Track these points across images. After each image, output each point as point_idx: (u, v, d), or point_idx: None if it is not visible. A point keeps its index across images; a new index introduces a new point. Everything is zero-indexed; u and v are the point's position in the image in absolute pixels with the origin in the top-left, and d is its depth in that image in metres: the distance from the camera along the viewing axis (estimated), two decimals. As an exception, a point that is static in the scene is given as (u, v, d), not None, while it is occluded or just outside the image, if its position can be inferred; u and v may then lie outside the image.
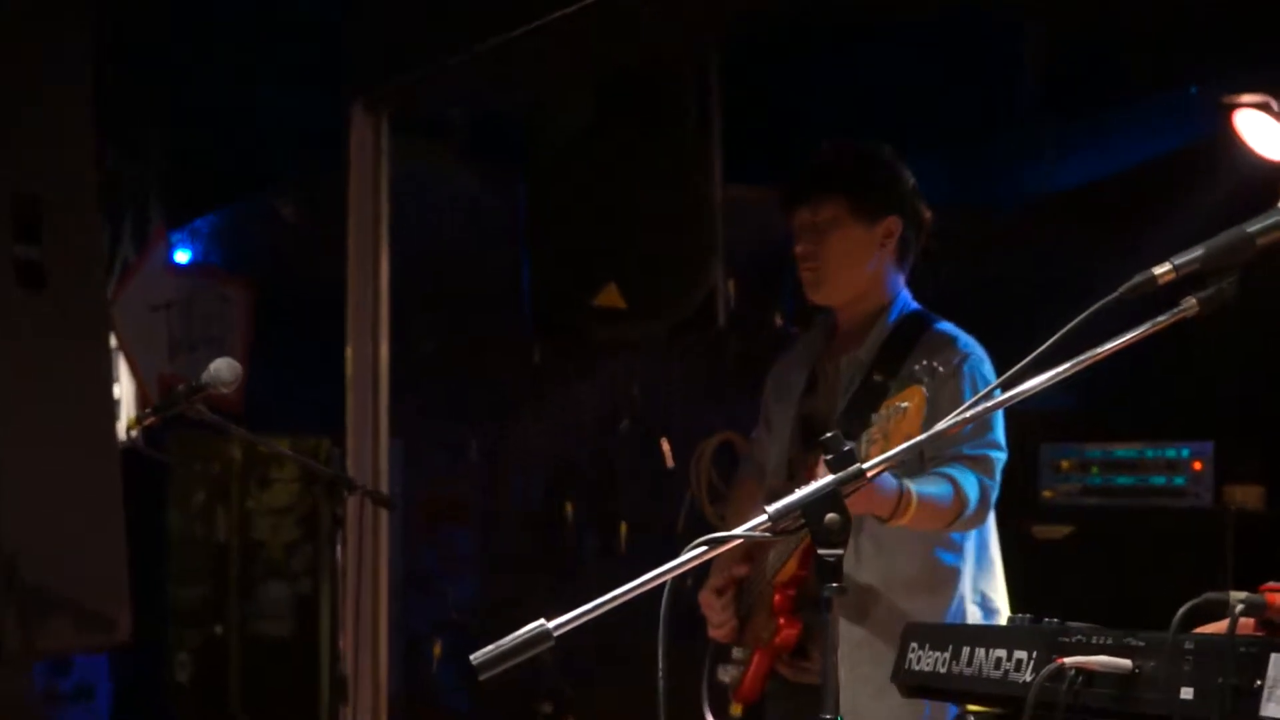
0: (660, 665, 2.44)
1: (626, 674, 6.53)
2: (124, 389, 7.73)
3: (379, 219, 6.69)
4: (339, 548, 5.25)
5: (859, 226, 4.40)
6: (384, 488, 6.60)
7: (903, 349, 4.39)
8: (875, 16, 5.97)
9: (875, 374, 4.39)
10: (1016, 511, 4.62)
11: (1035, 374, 2.40)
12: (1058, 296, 4.78)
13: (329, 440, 7.06)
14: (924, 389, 3.72)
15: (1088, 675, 2.34)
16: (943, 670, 2.69)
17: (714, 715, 4.69)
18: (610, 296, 6.08)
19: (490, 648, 2.30)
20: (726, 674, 4.64)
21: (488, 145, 7.34)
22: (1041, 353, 2.39)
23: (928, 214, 4.53)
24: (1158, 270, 2.40)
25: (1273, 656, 2.17)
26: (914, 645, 2.80)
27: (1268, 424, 5.96)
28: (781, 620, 4.43)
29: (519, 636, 2.31)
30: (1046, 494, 6.30)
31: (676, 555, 2.38)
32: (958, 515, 4.16)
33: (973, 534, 4.34)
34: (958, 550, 4.35)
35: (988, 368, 4.33)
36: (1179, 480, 6.02)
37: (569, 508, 7.87)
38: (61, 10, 5.59)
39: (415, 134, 7.12)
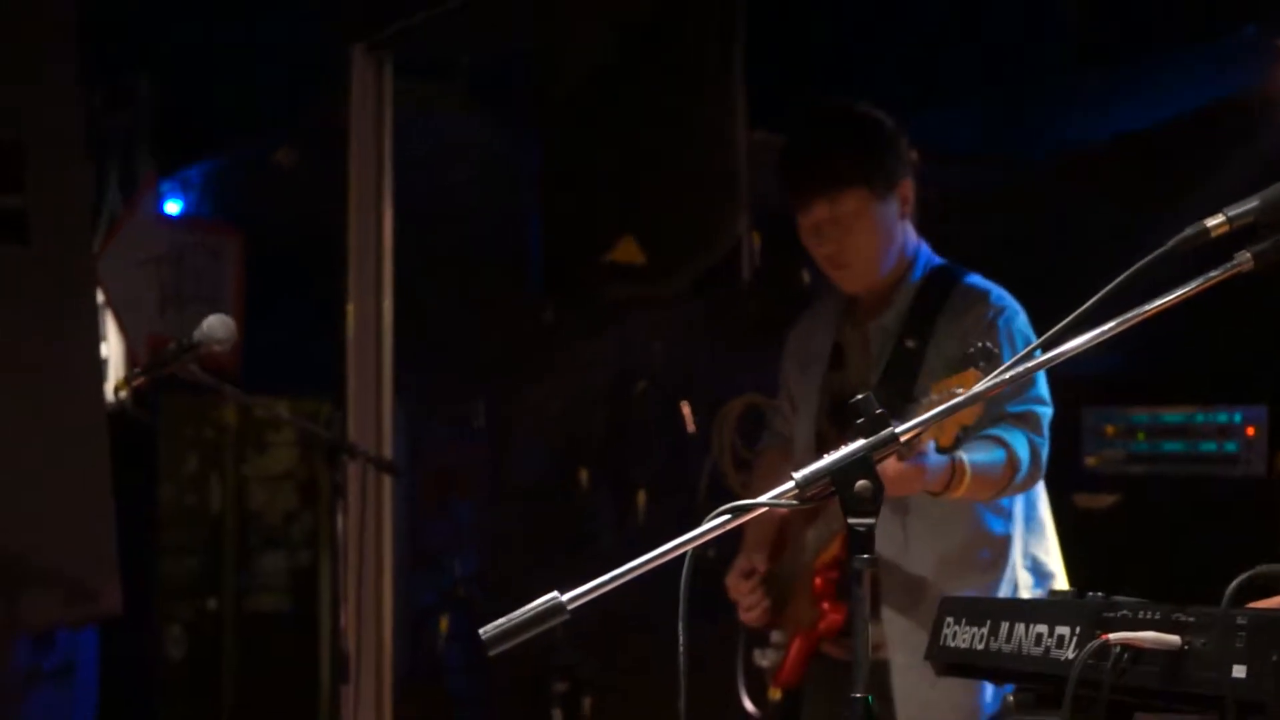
0: (680, 640, 2.45)
1: (646, 650, 6.55)
2: (111, 348, 7.74)
3: (382, 169, 6.69)
4: (340, 517, 5.27)
5: (881, 206, 4.38)
6: (387, 453, 6.62)
7: (932, 308, 4.38)
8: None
9: (906, 340, 4.39)
10: (1058, 479, 4.61)
11: (1078, 333, 2.40)
12: (1099, 252, 4.79)
13: (329, 403, 7.08)
14: (980, 374, 3.71)
15: (1134, 652, 2.34)
16: (980, 647, 2.68)
17: (751, 700, 4.70)
18: (627, 251, 6.08)
19: (500, 621, 2.31)
20: (765, 658, 4.66)
21: (497, 90, 7.32)
22: (1085, 311, 2.38)
23: (917, 158, 4.50)
24: (1210, 222, 2.39)
25: (1330, 633, 2.17)
26: (950, 620, 2.79)
27: (1326, 387, 5.94)
28: (825, 605, 4.44)
29: (530, 610, 2.31)
30: (1090, 461, 6.29)
31: (697, 525, 2.38)
32: (1011, 479, 4.18)
33: (1020, 496, 4.34)
34: (1007, 515, 4.36)
35: (1023, 320, 4.33)
36: (1231, 447, 6.00)
37: (583, 476, 7.87)
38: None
39: (419, 77, 7.11)
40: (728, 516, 2.39)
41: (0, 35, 5.41)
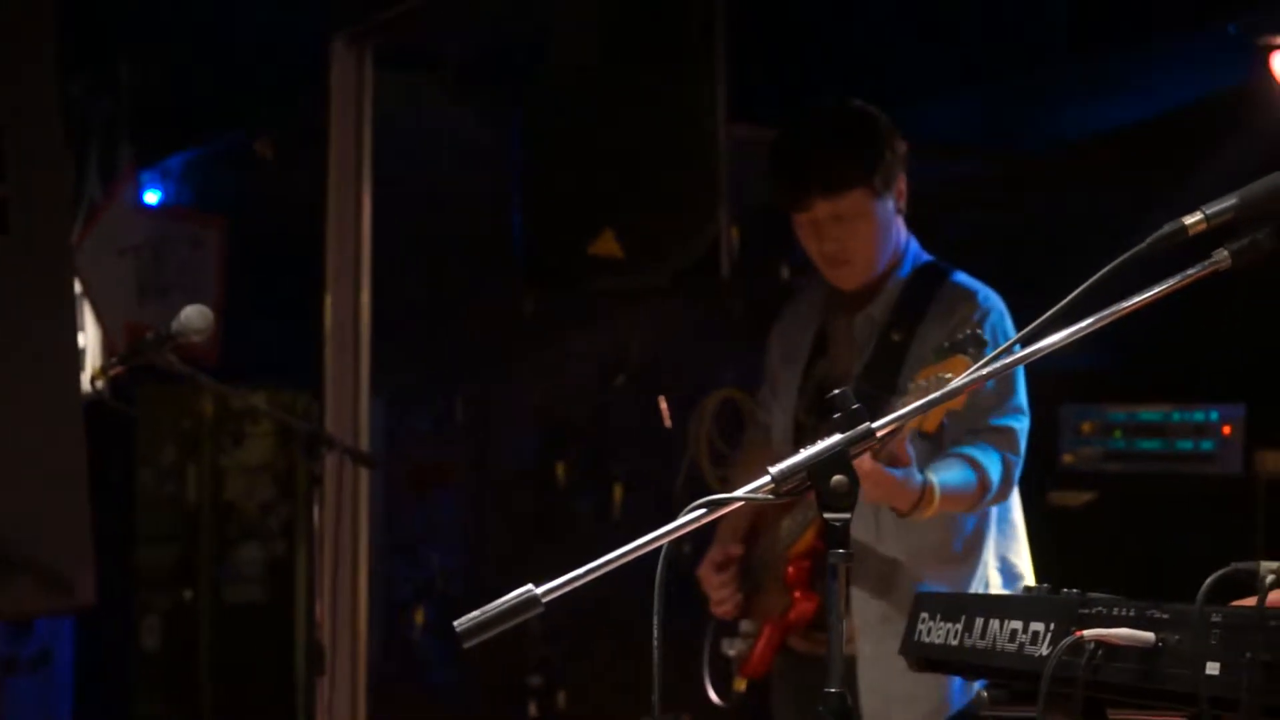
0: (655, 634, 2.44)
1: (619, 644, 6.56)
2: (89, 337, 7.72)
3: (361, 159, 6.68)
4: (317, 508, 5.26)
5: (881, 203, 4.37)
6: (365, 445, 6.61)
7: (919, 304, 4.39)
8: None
9: (892, 333, 4.39)
10: (1034, 477, 4.62)
11: (1057, 329, 2.40)
12: (1085, 245, 4.78)
13: (307, 394, 7.06)
14: (969, 359, 3.73)
15: (1108, 649, 2.34)
16: (954, 642, 2.68)
17: (716, 691, 4.70)
18: (607, 244, 6.07)
19: (474, 614, 2.30)
20: (732, 647, 4.66)
21: (478, 81, 7.31)
22: (1063, 307, 2.38)
23: (906, 147, 4.50)
24: (1188, 220, 2.39)
25: (1305, 631, 2.17)
26: (924, 616, 2.79)
27: (1302, 386, 5.95)
28: (797, 594, 4.45)
29: (505, 602, 2.31)
30: (1066, 458, 6.30)
31: (674, 519, 2.38)
32: (980, 500, 4.22)
33: None
34: (981, 512, 4.37)
35: (1009, 323, 4.34)
36: (1207, 445, 6.01)
37: (561, 469, 7.87)
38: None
39: (400, 67, 7.10)
40: (704, 510, 2.39)
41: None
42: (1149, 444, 6.17)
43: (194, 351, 5.16)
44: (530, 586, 2.31)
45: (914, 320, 4.36)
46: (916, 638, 2.80)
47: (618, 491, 7.64)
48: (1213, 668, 2.20)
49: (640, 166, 6.00)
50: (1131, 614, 2.35)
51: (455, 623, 2.30)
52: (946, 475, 4.11)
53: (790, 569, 4.45)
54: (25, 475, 5.38)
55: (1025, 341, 2.43)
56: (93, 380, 5.70)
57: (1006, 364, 2.47)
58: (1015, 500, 4.47)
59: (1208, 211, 2.39)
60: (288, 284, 7.36)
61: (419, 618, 7.87)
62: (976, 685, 2.68)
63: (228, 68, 7.49)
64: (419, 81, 7.39)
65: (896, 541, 4.31)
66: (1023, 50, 6.25)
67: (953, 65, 6.29)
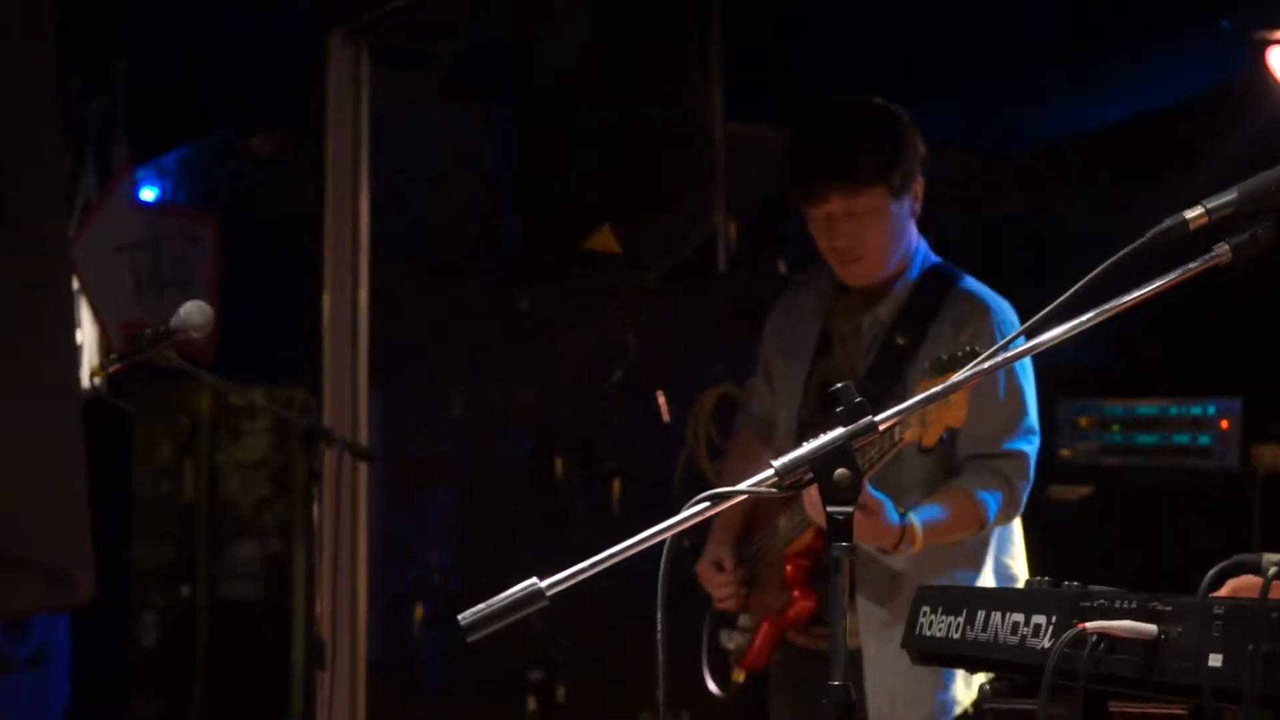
0: (659, 627, 2.45)
1: (618, 638, 6.56)
2: (85, 334, 7.72)
3: (358, 156, 6.68)
4: (316, 504, 5.26)
5: (896, 203, 4.35)
6: (363, 440, 6.61)
7: (928, 309, 4.37)
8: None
9: (898, 336, 4.38)
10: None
11: (1056, 324, 2.41)
12: (1076, 244, 4.79)
13: (305, 390, 7.06)
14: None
15: (1110, 641, 2.35)
16: (956, 636, 2.69)
17: (715, 682, 4.71)
18: (603, 240, 6.08)
19: (480, 607, 2.31)
20: (731, 640, 4.66)
21: (474, 77, 7.31)
22: (1063, 302, 2.39)
23: (925, 150, 4.49)
24: (1189, 214, 2.40)
25: (1307, 622, 2.18)
26: (926, 610, 2.80)
27: (1299, 381, 5.96)
28: (796, 592, 4.45)
29: (510, 595, 2.32)
30: (1064, 453, 6.31)
31: (672, 514, 2.39)
32: (975, 531, 4.27)
33: None
34: None
35: (1015, 323, 4.33)
36: (1204, 439, 6.02)
37: (558, 465, 7.87)
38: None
39: (397, 65, 7.09)
40: (706, 504, 2.40)
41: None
42: (1146, 438, 6.17)
43: (191, 348, 5.16)
44: (535, 580, 2.32)
45: (922, 324, 4.35)
46: (918, 631, 2.80)
47: (615, 487, 7.64)
48: (1215, 660, 2.21)
49: (636, 162, 6.00)
50: (1133, 606, 2.36)
51: (460, 616, 2.31)
52: (930, 512, 4.15)
53: (789, 567, 4.46)
54: (24, 472, 5.39)
55: (1024, 336, 2.45)
56: (91, 377, 5.71)
57: (1007, 358, 2.48)
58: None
59: (1209, 205, 2.40)
60: (283, 280, 7.36)
61: (418, 613, 7.88)
62: (977, 681, 2.69)
63: (224, 64, 7.49)
64: (415, 78, 7.39)
65: (897, 557, 4.31)
66: (1010, 48, 6.26)
67: (945, 64, 6.30)
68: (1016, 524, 4.48)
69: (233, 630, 8.22)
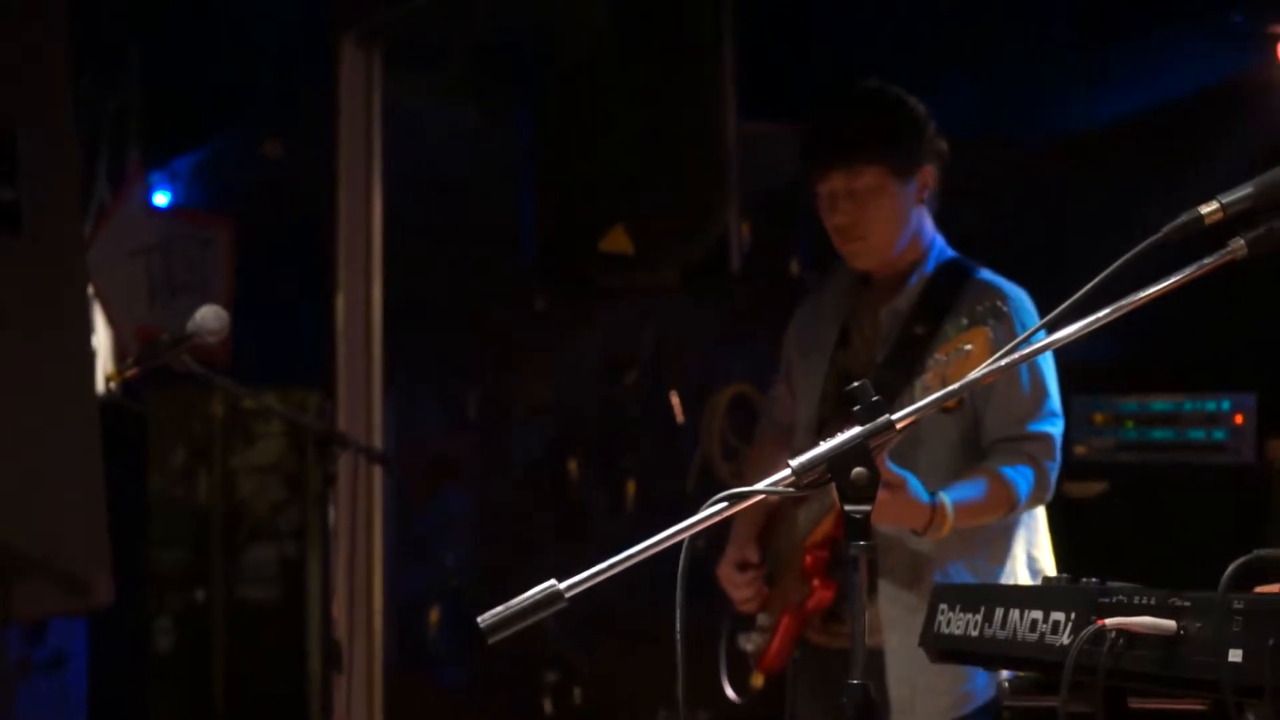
0: (678, 628, 2.46)
1: (634, 639, 6.57)
2: (100, 339, 7.73)
3: (371, 157, 6.69)
4: (331, 507, 5.27)
5: (900, 186, 4.39)
6: (378, 444, 6.62)
7: (944, 301, 4.39)
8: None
9: (916, 326, 4.40)
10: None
11: (1072, 320, 2.41)
12: (1092, 238, 4.79)
13: (319, 393, 7.07)
14: (989, 330, 3.74)
15: (1130, 637, 2.34)
16: (974, 633, 2.69)
17: (733, 688, 4.70)
18: (617, 240, 6.09)
19: (499, 609, 2.32)
20: (749, 642, 4.65)
21: (488, 78, 7.31)
22: (1079, 298, 2.39)
23: (945, 147, 4.53)
24: (1205, 209, 2.40)
25: (1326, 617, 2.18)
26: (944, 607, 2.80)
27: (1315, 375, 5.95)
28: (815, 582, 4.45)
29: (529, 597, 2.32)
30: (1079, 449, 6.30)
31: (687, 514, 2.39)
32: (1007, 512, 4.27)
33: None
34: None
35: (1033, 311, 4.35)
36: (1219, 435, 6.01)
37: (573, 465, 7.87)
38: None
39: (409, 66, 7.10)
40: (724, 504, 2.40)
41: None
42: (1161, 434, 6.16)
43: (206, 352, 5.17)
44: (553, 581, 2.33)
45: (938, 314, 4.37)
46: (936, 629, 2.81)
47: (630, 487, 7.64)
48: (1235, 655, 2.21)
49: (650, 162, 6.01)
50: (1152, 602, 2.36)
51: (479, 618, 2.31)
52: (962, 492, 4.16)
53: (808, 558, 4.45)
54: (42, 477, 5.40)
55: (1045, 330, 2.45)
56: (107, 382, 5.72)
57: (1025, 354, 2.48)
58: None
59: (1224, 200, 2.40)
60: (297, 283, 7.37)
61: (433, 615, 7.88)
62: (1003, 674, 2.69)
63: (237, 67, 7.49)
64: (428, 80, 7.39)
65: (927, 540, 4.31)
66: (1027, 42, 6.25)
67: (962, 57, 6.30)
68: (1043, 517, 4.48)
69: (249, 634, 8.22)
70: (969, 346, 3.77)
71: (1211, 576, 2.31)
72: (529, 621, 2.32)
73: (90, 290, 7.03)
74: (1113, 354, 6.01)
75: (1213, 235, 2.42)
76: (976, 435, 4.34)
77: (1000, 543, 4.37)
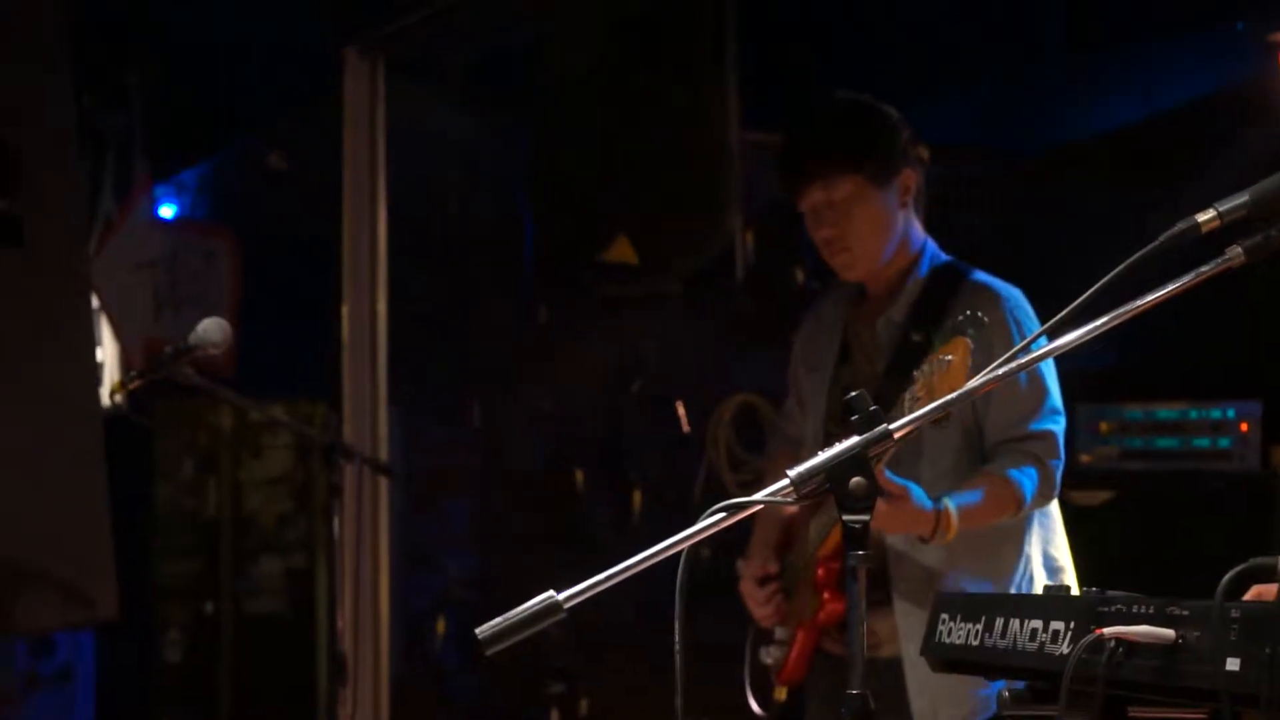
0: (676, 637, 2.45)
1: (641, 650, 6.56)
2: (106, 352, 7.74)
3: (375, 170, 6.70)
4: (336, 520, 5.27)
5: (879, 193, 4.41)
6: (383, 455, 6.62)
7: (939, 304, 4.40)
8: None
9: (913, 333, 4.40)
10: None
11: (1071, 328, 2.41)
12: (1091, 246, 4.78)
13: (324, 405, 7.07)
14: (969, 340, 3.75)
15: (1128, 646, 2.34)
16: (975, 643, 2.69)
17: (757, 701, 4.70)
18: (620, 250, 6.09)
19: (497, 621, 2.32)
20: (769, 655, 4.65)
21: (490, 89, 7.32)
22: (1077, 306, 2.39)
23: (926, 154, 4.55)
24: (1201, 217, 2.40)
25: (1324, 626, 2.17)
26: (945, 617, 2.80)
27: (1320, 383, 5.94)
28: (826, 595, 4.45)
29: (527, 609, 2.32)
30: (1084, 458, 6.29)
31: (693, 524, 2.39)
32: (1014, 512, 4.27)
33: None
34: None
35: (1029, 311, 4.36)
36: (1224, 442, 6.00)
37: (578, 476, 7.87)
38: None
39: (412, 78, 7.11)
40: (722, 515, 2.40)
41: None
42: (1166, 442, 6.15)
43: (210, 364, 5.17)
44: (552, 593, 2.33)
45: (935, 320, 4.37)
46: (937, 639, 2.81)
47: (636, 498, 7.63)
48: (1233, 663, 2.20)
49: (653, 172, 6.01)
50: (1151, 611, 2.36)
51: (477, 630, 2.31)
52: (965, 496, 4.16)
53: (820, 570, 4.45)
54: (46, 490, 5.41)
55: (1045, 338, 2.45)
56: (112, 395, 5.73)
57: (1023, 363, 2.48)
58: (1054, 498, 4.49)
59: (1221, 208, 2.40)
60: (302, 295, 7.37)
61: (439, 626, 7.88)
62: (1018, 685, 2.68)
63: (241, 79, 7.50)
64: (431, 92, 7.40)
65: (933, 546, 4.31)
66: (1025, 50, 6.25)
67: (960, 67, 6.30)
68: (1056, 513, 4.48)
69: (257, 646, 8.22)
70: (949, 358, 3.77)
71: (1218, 584, 2.31)
72: (528, 633, 2.32)
73: (96, 303, 7.04)
74: (1118, 362, 6.02)
75: (1212, 242, 2.42)
76: (979, 439, 4.35)
77: (1012, 545, 4.36)
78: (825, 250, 4.51)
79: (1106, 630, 2.37)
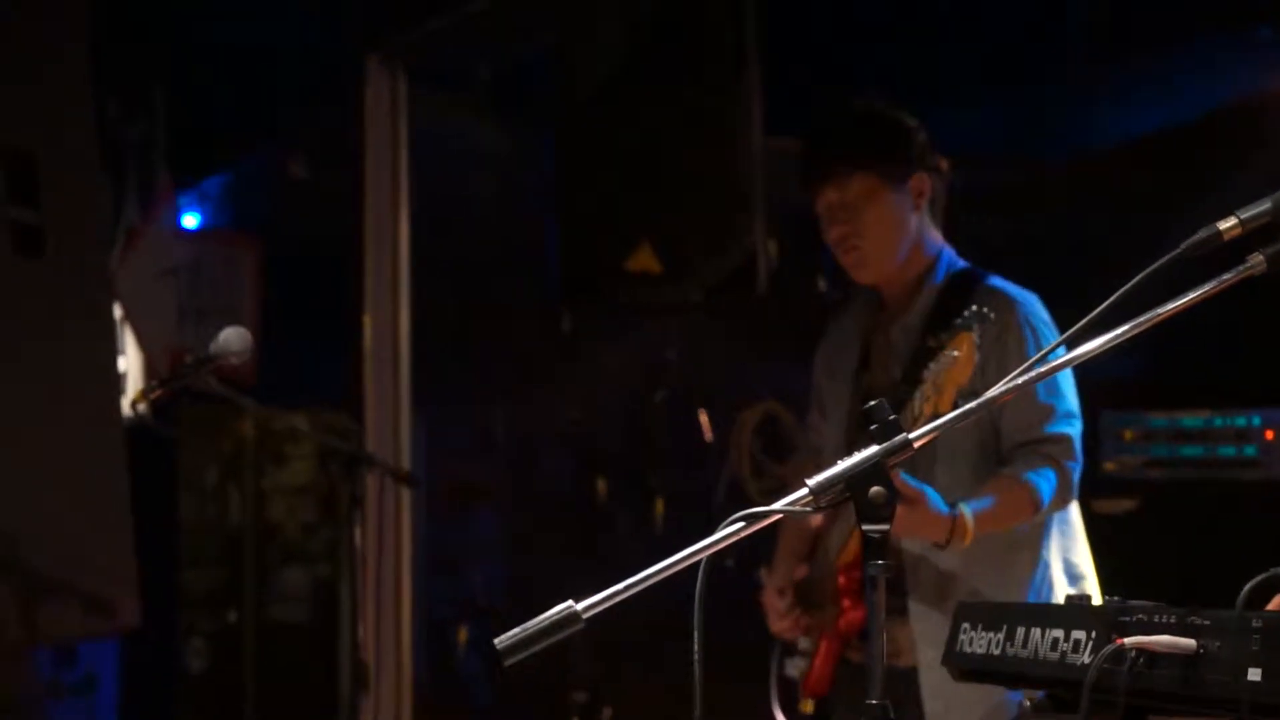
0: (695, 647, 2.45)
1: (665, 659, 6.55)
2: (129, 361, 7.75)
3: (398, 179, 6.70)
4: (358, 528, 5.28)
5: (892, 194, 4.45)
6: (405, 464, 6.62)
7: (956, 309, 4.40)
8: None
9: (929, 338, 4.41)
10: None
11: (1094, 336, 2.41)
12: (1114, 254, 4.78)
13: (347, 414, 7.07)
14: (973, 335, 3.77)
15: (1150, 656, 2.34)
16: (996, 652, 2.69)
17: (784, 712, 4.70)
18: (644, 259, 6.08)
19: (515, 631, 2.32)
20: (795, 667, 4.65)
21: (512, 97, 7.33)
22: (1100, 313, 2.39)
23: (945, 165, 4.57)
24: (1223, 225, 2.40)
25: (1346, 635, 2.17)
26: (966, 626, 2.80)
27: (1345, 389, 5.92)
28: (846, 603, 4.45)
29: (546, 619, 2.32)
30: (1108, 466, 6.27)
31: (714, 534, 2.39)
32: (1031, 515, 4.28)
33: None
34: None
35: (1045, 316, 4.36)
36: (1250, 450, 5.98)
37: (601, 485, 7.87)
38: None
39: (434, 86, 7.12)
40: (742, 524, 2.40)
41: (15, 47, 5.42)
42: (1191, 450, 6.13)
43: (232, 373, 5.18)
44: (571, 602, 2.32)
45: (948, 323, 4.38)
46: (959, 648, 2.81)
47: (659, 506, 7.63)
48: (1254, 673, 2.20)
49: (676, 181, 6.01)
50: (1172, 621, 2.35)
51: (496, 640, 2.31)
52: (981, 501, 4.16)
53: (841, 579, 4.46)
54: (68, 500, 5.42)
55: (1064, 347, 2.45)
56: (134, 404, 5.73)
57: (1042, 372, 2.48)
58: (1074, 502, 4.48)
59: (1242, 216, 2.40)
60: (325, 304, 7.38)
61: (462, 636, 7.88)
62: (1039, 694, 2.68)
63: (263, 89, 7.52)
64: (453, 99, 7.41)
65: (951, 552, 4.31)
66: (1050, 58, 6.24)
67: (986, 73, 6.29)
68: (1077, 519, 4.48)
69: (281, 655, 8.23)
70: (955, 352, 3.79)
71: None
72: (547, 643, 2.32)
73: (119, 312, 7.06)
74: (1142, 370, 6.00)
75: (1234, 250, 2.42)
76: (995, 443, 4.35)
77: (1030, 552, 4.36)
78: (837, 250, 4.54)
79: (1128, 640, 2.37)
